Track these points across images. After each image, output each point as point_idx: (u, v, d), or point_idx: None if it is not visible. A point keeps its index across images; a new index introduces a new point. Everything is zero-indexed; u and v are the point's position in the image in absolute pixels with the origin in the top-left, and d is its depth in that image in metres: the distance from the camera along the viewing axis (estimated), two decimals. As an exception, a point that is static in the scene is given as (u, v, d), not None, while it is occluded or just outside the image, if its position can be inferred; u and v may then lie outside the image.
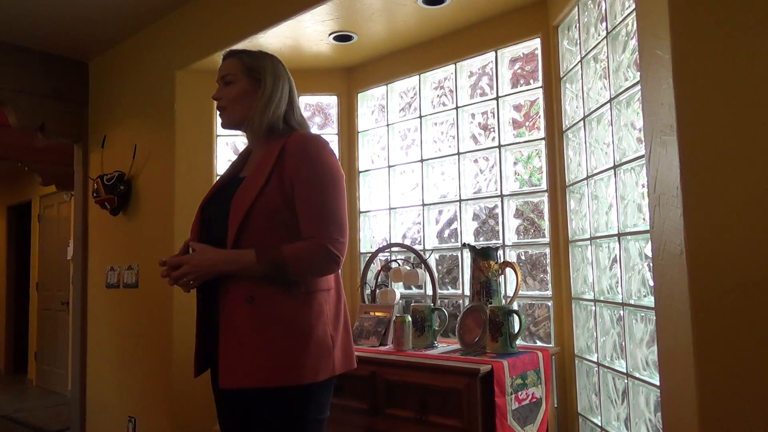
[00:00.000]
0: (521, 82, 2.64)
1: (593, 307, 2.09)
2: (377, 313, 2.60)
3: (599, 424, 2.05)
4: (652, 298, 1.54)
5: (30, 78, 3.47)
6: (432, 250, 2.78)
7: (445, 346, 2.36)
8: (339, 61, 3.03)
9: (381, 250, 2.86)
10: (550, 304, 2.37)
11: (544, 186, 2.41)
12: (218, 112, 1.69)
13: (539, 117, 2.49)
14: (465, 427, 1.91)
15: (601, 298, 2.03)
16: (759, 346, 1.14)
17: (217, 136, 3.07)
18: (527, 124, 2.76)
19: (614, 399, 1.99)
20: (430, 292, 2.68)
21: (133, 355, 3.19)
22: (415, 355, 2.19)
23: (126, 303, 3.28)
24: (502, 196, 2.52)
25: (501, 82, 2.56)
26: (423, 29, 2.67)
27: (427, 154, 2.84)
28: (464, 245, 2.56)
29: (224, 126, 1.68)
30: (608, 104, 1.92)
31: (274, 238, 1.50)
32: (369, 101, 3.13)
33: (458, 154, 2.69)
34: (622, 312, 1.87)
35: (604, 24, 1.96)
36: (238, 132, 1.75)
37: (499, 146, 2.54)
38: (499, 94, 2.55)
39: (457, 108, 2.71)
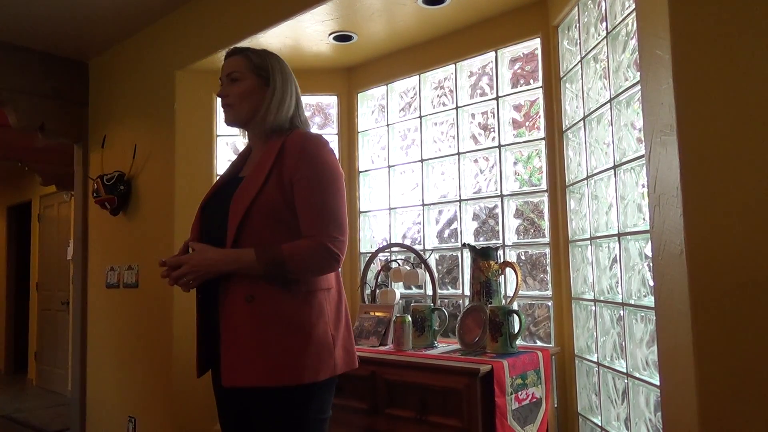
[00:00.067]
0: (521, 82, 2.64)
1: (593, 307, 2.09)
2: (377, 313, 2.60)
3: (599, 424, 2.05)
4: (652, 298, 1.54)
5: (30, 78, 3.47)
6: (432, 250, 2.78)
7: (445, 346, 2.36)
8: (339, 61, 3.03)
9: (381, 250, 2.86)
10: (550, 304, 2.37)
11: (544, 186, 2.41)
12: (223, 109, 1.67)
13: (539, 117, 2.49)
14: (465, 427, 1.91)
15: (601, 298, 2.03)
16: (759, 346, 1.14)
17: (217, 136, 3.07)
18: (527, 124, 2.76)
19: (614, 399, 1.99)
20: (430, 292, 2.68)
21: (133, 355, 3.19)
22: (415, 355, 2.20)
23: (126, 303, 3.28)
24: (502, 196, 2.52)
25: (501, 82, 2.56)
26: (423, 29, 2.67)
27: (427, 154, 2.84)
28: (464, 245, 2.56)
29: (228, 123, 1.68)
30: (608, 104, 1.92)
31: (273, 237, 1.50)
32: (369, 101, 3.13)
33: (458, 154, 2.69)
34: (622, 312, 1.87)
35: (604, 24, 1.96)
36: (238, 131, 1.75)
37: (499, 146, 2.54)
38: (499, 94, 2.55)
39: (457, 108, 2.71)
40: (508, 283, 2.45)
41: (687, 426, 1.25)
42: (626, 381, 1.84)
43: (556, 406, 2.28)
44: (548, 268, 2.38)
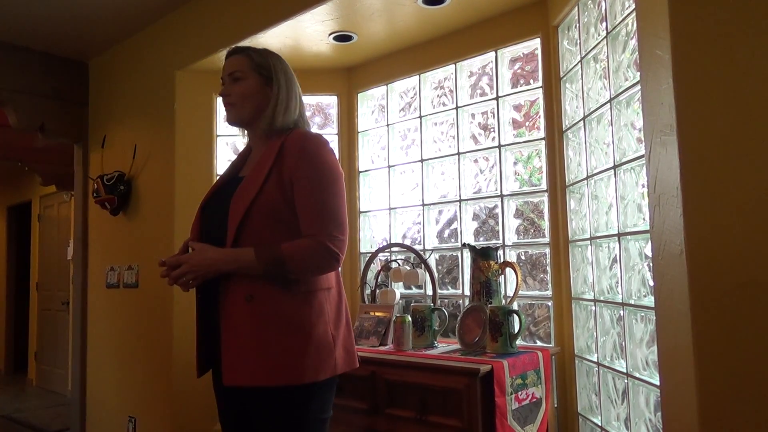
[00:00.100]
0: (521, 82, 2.65)
1: (593, 307, 2.09)
2: (377, 313, 2.60)
3: (599, 424, 2.05)
4: (652, 298, 1.54)
5: (30, 78, 3.47)
6: (432, 250, 2.78)
7: (445, 346, 2.36)
8: (339, 61, 3.03)
9: (381, 250, 2.86)
10: (550, 304, 2.37)
11: (544, 186, 2.41)
12: (225, 109, 1.66)
13: (539, 117, 2.49)
14: (465, 427, 1.91)
15: (601, 298, 2.03)
16: (759, 346, 1.14)
17: (217, 136, 3.07)
18: (527, 124, 2.76)
19: (614, 399, 1.99)
20: (430, 292, 2.68)
21: (133, 355, 3.19)
22: (415, 355, 2.19)
23: (126, 303, 3.28)
24: (502, 196, 2.52)
25: (501, 82, 2.56)
26: (423, 29, 2.67)
27: (427, 154, 2.84)
28: (464, 245, 2.56)
29: (231, 122, 1.67)
30: (608, 104, 1.92)
31: (273, 237, 1.50)
32: (369, 101, 3.13)
33: (458, 154, 2.69)
34: (622, 312, 1.87)
35: (604, 24, 1.96)
36: (238, 131, 1.74)
37: (499, 146, 2.54)
38: (499, 94, 2.55)
39: (457, 108, 2.71)
40: (508, 283, 2.45)
41: (687, 426, 1.25)
42: (626, 381, 1.84)
43: (556, 406, 2.28)
44: (548, 268, 2.38)
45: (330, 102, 3.19)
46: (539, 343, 2.46)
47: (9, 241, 7.24)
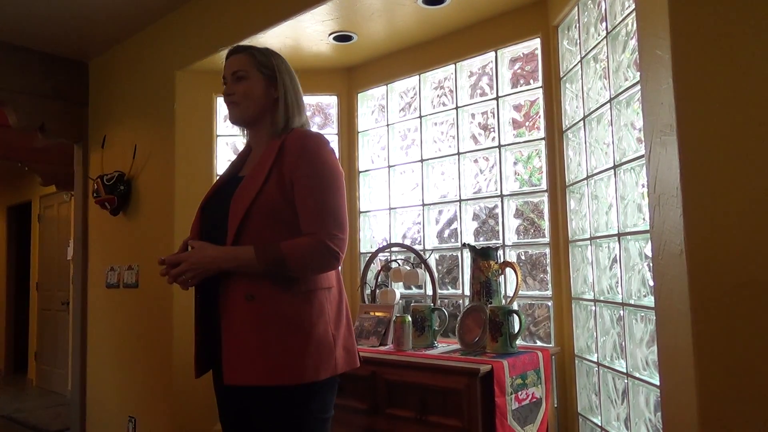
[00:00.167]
0: (521, 82, 2.65)
1: (593, 307, 2.09)
2: (377, 313, 2.60)
3: (599, 424, 2.05)
4: (652, 298, 1.54)
5: (30, 78, 3.47)
6: (432, 250, 2.78)
7: (445, 346, 2.36)
8: (339, 61, 3.03)
9: (381, 250, 2.86)
10: (550, 304, 2.37)
11: (544, 186, 2.41)
12: (228, 108, 1.66)
13: (539, 117, 2.49)
14: (465, 427, 1.91)
15: (601, 298, 2.03)
16: (759, 346, 1.14)
17: (217, 136, 3.07)
18: (527, 124, 2.76)
19: (614, 399, 1.99)
20: (430, 292, 2.68)
21: (133, 355, 3.19)
22: (415, 355, 2.19)
23: (126, 303, 3.28)
24: (502, 196, 2.52)
25: (501, 82, 2.56)
26: (423, 29, 2.67)
27: (427, 154, 2.84)
28: (464, 245, 2.56)
29: (233, 122, 1.67)
30: (608, 104, 1.92)
31: (274, 236, 1.50)
32: (369, 101, 3.13)
33: (458, 154, 2.69)
34: (622, 312, 1.87)
35: (604, 24, 1.96)
36: (238, 131, 1.75)
37: (499, 146, 2.54)
38: (499, 94, 2.55)
39: (457, 108, 2.71)
40: (508, 283, 2.45)
41: (687, 426, 1.25)
42: (626, 381, 1.84)
43: (556, 406, 2.28)
44: (548, 268, 2.38)
45: (330, 102, 3.19)
46: (539, 343, 2.46)
47: (9, 241, 7.24)
